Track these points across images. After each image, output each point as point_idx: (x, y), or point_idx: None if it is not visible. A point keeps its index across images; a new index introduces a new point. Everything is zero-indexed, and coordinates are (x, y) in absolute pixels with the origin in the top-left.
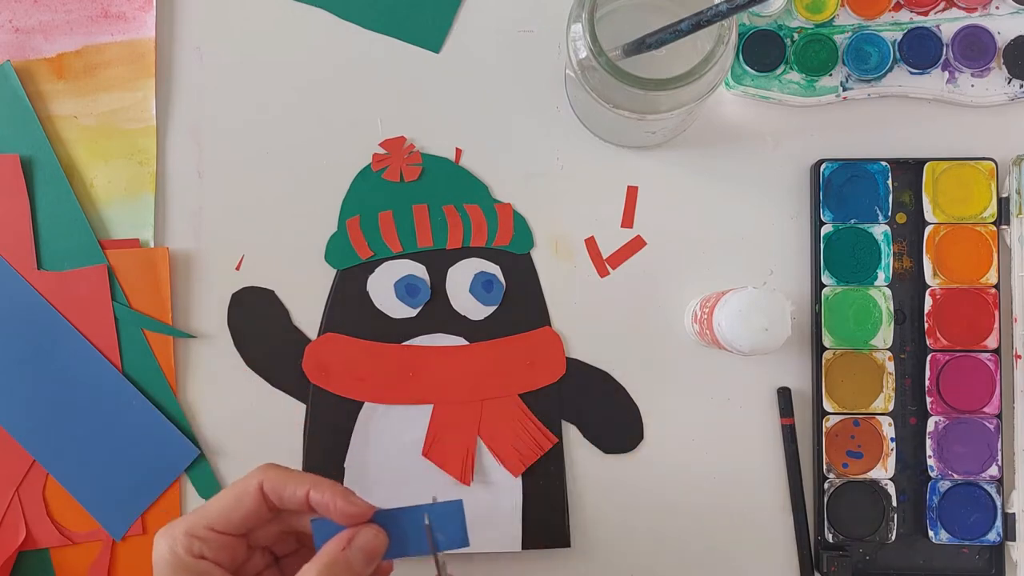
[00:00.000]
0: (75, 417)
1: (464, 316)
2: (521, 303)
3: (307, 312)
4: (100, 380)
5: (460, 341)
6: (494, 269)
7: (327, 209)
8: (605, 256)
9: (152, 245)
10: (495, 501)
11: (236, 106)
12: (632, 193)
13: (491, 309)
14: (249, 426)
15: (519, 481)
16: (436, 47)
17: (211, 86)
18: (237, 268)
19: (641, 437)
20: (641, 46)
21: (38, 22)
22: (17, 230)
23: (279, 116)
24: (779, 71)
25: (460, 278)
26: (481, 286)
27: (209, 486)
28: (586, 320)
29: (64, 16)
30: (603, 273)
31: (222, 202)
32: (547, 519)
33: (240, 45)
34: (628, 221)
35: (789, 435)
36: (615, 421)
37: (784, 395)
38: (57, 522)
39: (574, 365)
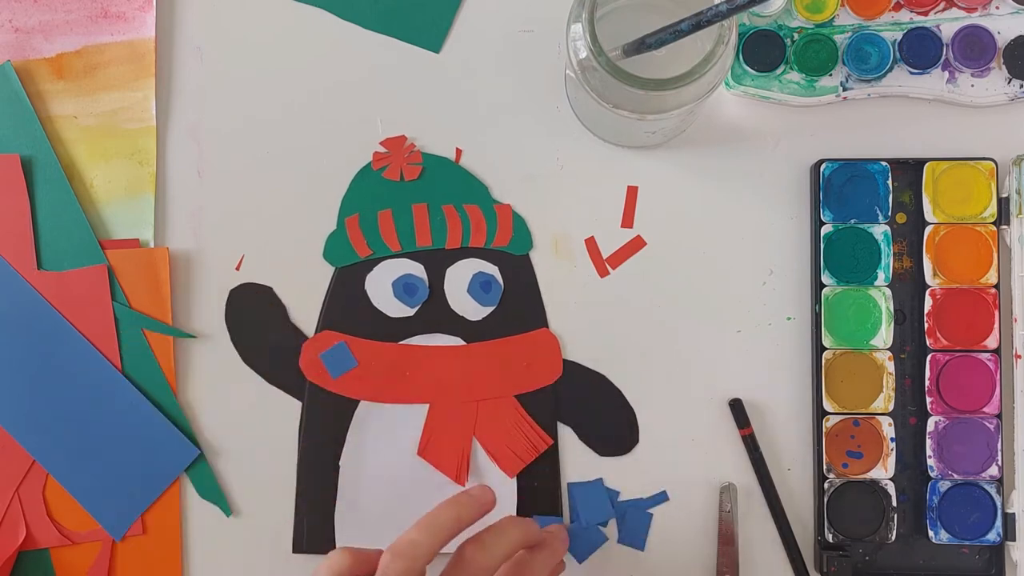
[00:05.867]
0: (75, 417)
1: (462, 316)
2: (519, 304)
3: (305, 310)
4: (100, 380)
5: (457, 341)
6: (493, 270)
7: (326, 207)
8: (605, 256)
9: (152, 245)
10: None
11: (236, 106)
12: (632, 193)
13: (489, 310)
14: (249, 426)
15: (514, 482)
16: (436, 47)
17: (211, 86)
18: (237, 268)
19: (636, 440)
20: (641, 46)
21: (38, 22)
22: (17, 230)
23: (279, 116)
24: (779, 71)
25: (458, 278)
26: (479, 286)
27: (209, 486)
28: (584, 321)
29: (64, 16)
30: (603, 273)
31: (222, 202)
32: (541, 520)
33: (240, 45)
34: (628, 221)
35: (751, 444)
36: (611, 424)
37: (737, 406)
38: (57, 522)
39: (571, 367)
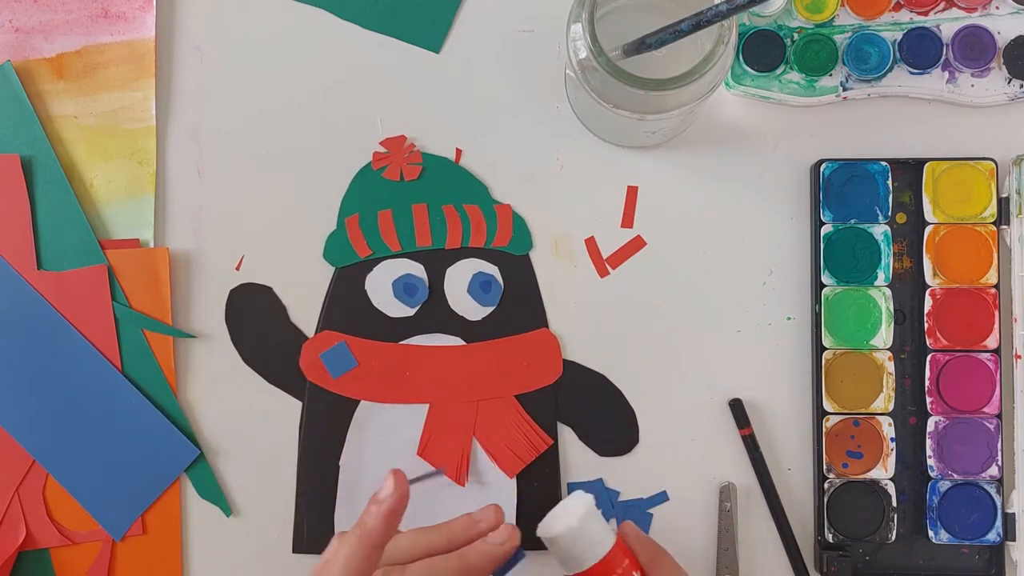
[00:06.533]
0: (75, 417)
1: (462, 316)
2: (519, 304)
3: (305, 310)
4: (100, 380)
5: (457, 341)
6: (492, 270)
7: (326, 207)
8: (605, 256)
9: (152, 245)
10: (489, 502)
11: (236, 106)
12: (632, 193)
13: (489, 310)
14: (249, 426)
15: (514, 482)
16: (436, 47)
17: (211, 86)
18: (237, 268)
19: (636, 440)
20: (641, 46)
21: (38, 22)
22: (17, 230)
23: (279, 116)
24: (779, 71)
25: (458, 278)
26: (479, 286)
27: (209, 486)
28: (584, 321)
29: (64, 16)
30: (603, 273)
31: (222, 202)
32: (541, 520)
33: (240, 45)
34: (628, 221)
35: (751, 444)
36: (611, 424)
37: (737, 406)
38: (57, 522)
39: (571, 367)
